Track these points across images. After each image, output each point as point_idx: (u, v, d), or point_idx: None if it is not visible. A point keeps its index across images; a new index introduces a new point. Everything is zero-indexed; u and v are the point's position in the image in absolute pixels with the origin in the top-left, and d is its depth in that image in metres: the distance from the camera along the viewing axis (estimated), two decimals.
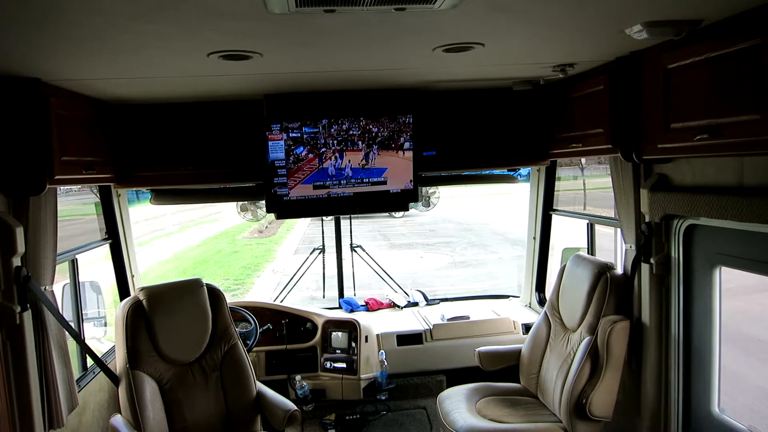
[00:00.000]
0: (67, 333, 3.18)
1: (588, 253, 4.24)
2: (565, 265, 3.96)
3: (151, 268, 16.54)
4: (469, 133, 4.12)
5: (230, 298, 3.92)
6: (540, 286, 5.00)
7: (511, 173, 4.61)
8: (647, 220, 3.27)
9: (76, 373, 3.57)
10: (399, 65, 2.97)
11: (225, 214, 25.43)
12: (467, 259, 17.36)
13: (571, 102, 3.64)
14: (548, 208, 4.76)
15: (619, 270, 3.59)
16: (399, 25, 2.16)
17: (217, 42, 2.25)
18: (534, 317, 4.78)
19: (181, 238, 21.93)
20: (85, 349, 3.47)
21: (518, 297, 5.34)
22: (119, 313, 3.48)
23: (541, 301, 4.97)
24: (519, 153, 4.18)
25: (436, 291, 12.50)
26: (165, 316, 3.51)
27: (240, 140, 3.88)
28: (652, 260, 3.26)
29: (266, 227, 22.17)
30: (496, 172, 4.61)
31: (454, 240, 20.03)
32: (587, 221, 4.31)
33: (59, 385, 3.01)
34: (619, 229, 4.22)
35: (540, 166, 4.46)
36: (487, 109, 4.10)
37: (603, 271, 3.55)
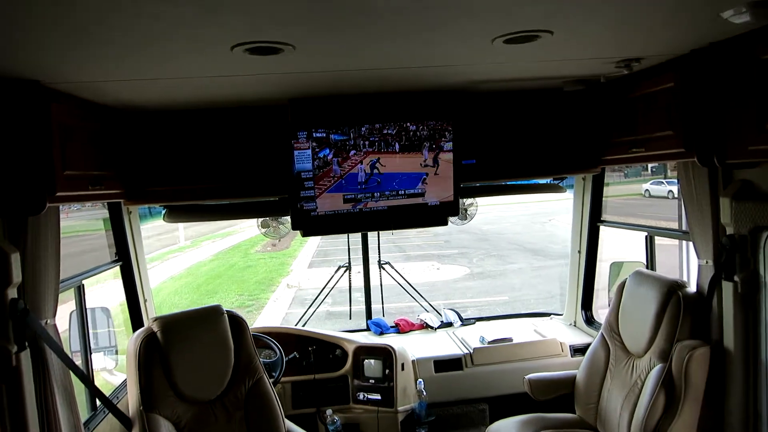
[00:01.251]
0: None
1: (647, 268, 3.83)
2: (624, 283, 3.55)
3: (164, 284, 16.28)
4: (512, 139, 3.73)
5: (245, 314, 3.54)
6: (587, 303, 4.59)
7: (557, 182, 4.21)
8: (729, 232, 2.87)
9: (85, 413, 3.21)
10: (447, 60, 2.58)
11: (238, 227, 25.21)
12: (485, 270, 16.99)
13: (632, 102, 3.24)
14: (596, 218, 4.36)
15: (691, 288, 3.18)
16: (460, 5, 1.79)
17: (243, 31, 1.89)
18: (581, 337, 4.39)
19: (194, 253, 21.70)
20: (93, 391, 3.09)
21: (560, 315, 4.92)
22: (131, 348, 3.11)
23: (588, 320, 4.56)
24: (567, 160, 3.78)
25: (455, 304, 12.14)
26: (182, 350, 3.14)
27: (262, 150, 3.51)
28: (736, 278, 2.85)
29: (279, 240, 21.86)
30: (541, 181, 4.21)
31: (470, 251, 19.68)
32: (646, 233, 3.90)
33: None
34: (684, 242, 3.86)
35: (591, 173, 4.06)
36: (532, 112, 3.71)
37: (673, 289, 3.15)
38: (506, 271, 16.47)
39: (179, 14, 1.66)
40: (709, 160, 2.67)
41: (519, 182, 4.15)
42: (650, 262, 3.89)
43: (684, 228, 3.51)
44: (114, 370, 4.31)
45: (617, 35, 2.32)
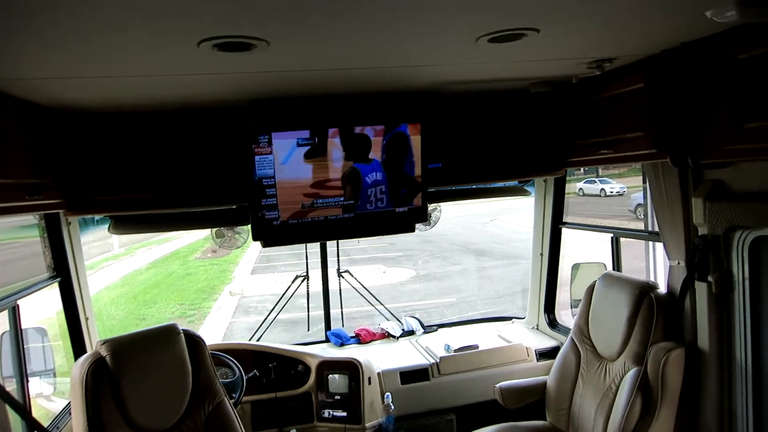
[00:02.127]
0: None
1: (613, 270, 3.83)
2: (593, 286, 3.52)
3: (99, 295, 15.46)
4: (478, 142, 3.65)
5: (186, 325, 3.29)
6: (549, 306, 4.56)
7: (521, 185, 4.16)
8: (701, 232, 2.87)
9: None
10: (425, 60, 2.45)
11: (175, 234, 24.27)
12: (431, 272, 17.03)
13: (598, 103, 3.21)
14: (558, 221, 4.33)
15: (662, 289, 3.18)
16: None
17: (215, 23, 1.68)
18: (546, 341, 4.35)
19: (129, 261, 20.76)
20: (32, 425, 2.76)
21: (522, 318, 4.88)
22: (76, 375, 2.80)
23: (551, 323, 4.53)
24: (533, 162, 3.73)
25: (404, 307, 12.13)
26: (135, 375, 2.85)
27: (219, 155, 3.27)
28: (710, 278, 2.84)
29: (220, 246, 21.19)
30: (506, 184, 4.15)
31: (415, 253, 19.67)
32: (611, 235, 3.89)
33: None
34: (651, 243, 3.88)
35: (555, 176, 4.02)
36: (498, 114, 3.64)
37: (645, 291, 3.14)
38: (451, 273, 16.55)
39: (139, 1, 1.45)
40: (682, 161, 2.66)
41: (484, 186, 4.07)
42: (616, 264, 3.89)
43: (651, 229, 3.53)
44: (52, 395, 3.93)
45: (598, 34, 2.26)
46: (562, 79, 3.14)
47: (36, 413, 3.22)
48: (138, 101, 2.89)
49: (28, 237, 3.64)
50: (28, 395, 3.16)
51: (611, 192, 21.14)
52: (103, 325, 12.39)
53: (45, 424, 3.14)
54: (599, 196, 21.12)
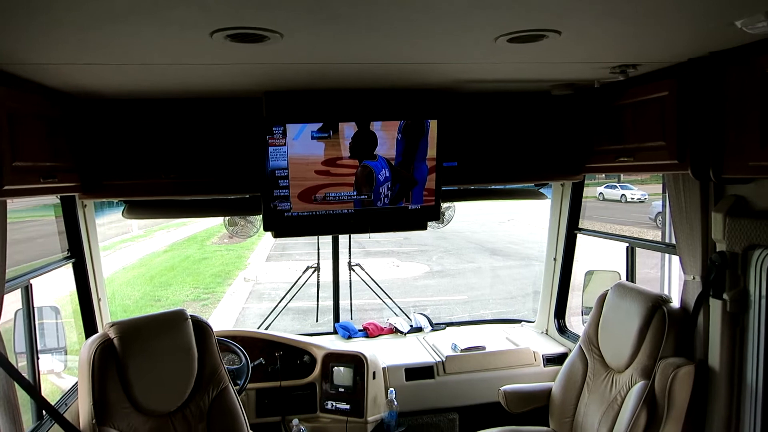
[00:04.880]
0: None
1: (627, 280, 3.76)
2: (605, 295, 3.47)
3: (116, 275, 15.68)
4: (495, 143, 3.60)
5: (200, 308, 3.30)
6: (560, 312, 4.51)
7: (538, 189, 4.10)
8: (719, 248, 2.80)
9: (30, 422, 2.92)
10: (443, 57, 2.41)
11: (192, 218, 24.50)
12: (444, 268, 16.96)
13: (619, 110, 3.15)
14: (573, 226, 4.27)
15: (675, 303, 3.12)
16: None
17: (227, 14, 1.67)
18: (554, 347, 4.31)
19: (147, 243, 21.01)
20: (40, 403, 2.81)
21: (532, 322, 4.84)
22: (84, 355, 2.84)
23: (561, 329, 4.48)
24: (550, 166, 3.67)
25: (415, 302, 12.11)
26: (141, 358, 2.89)
27: (233, 145, 3.28)
28: (725, 296, 2.78)
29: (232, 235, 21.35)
30: (522, 186, 4.10)
31: (429, 248, 19.60)
32: (627, 244, 3.82)
33: None
34: (667, 255, 3.81)
35: (573, 181, 3.96)
36: (517, 115, 3.58)
37: (658, 304, 3.08)
38: (465, 270, 16.47)
39: None
40: (703, 174, 2.59)
41: (499, 187, 4.03)
42: (631, 274, 3.82)
43: (668, 241, 3.46)
44: (63, 372, 3.99)
45: (622, 39, 2.21)
46: (584, 83, 3.08)
47: (47, 389, 3.28)
48: (153, 88, 2.90)
49: (49, 216, 3.70)
50: (38, 372, 3.21)
51: (632, 198, 20.89)
52: (119, 305, 12.58)
53: (54, 400, 3.20)
54: (620, 201, 20.88)
